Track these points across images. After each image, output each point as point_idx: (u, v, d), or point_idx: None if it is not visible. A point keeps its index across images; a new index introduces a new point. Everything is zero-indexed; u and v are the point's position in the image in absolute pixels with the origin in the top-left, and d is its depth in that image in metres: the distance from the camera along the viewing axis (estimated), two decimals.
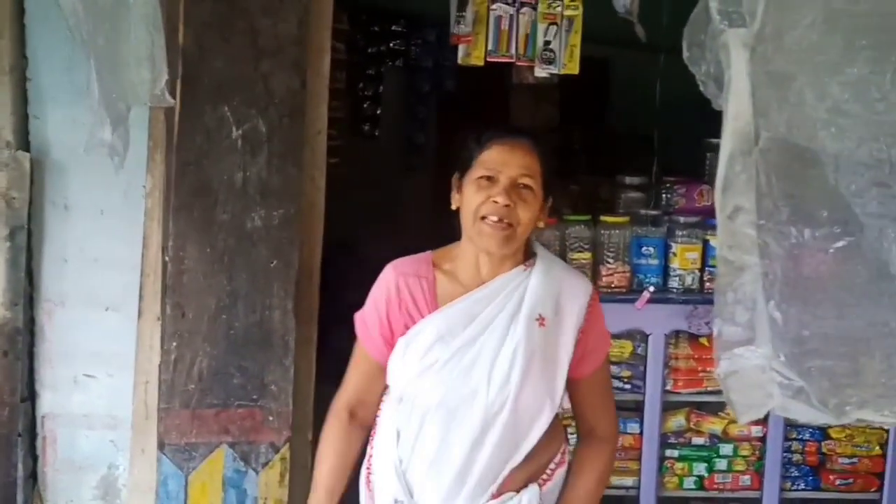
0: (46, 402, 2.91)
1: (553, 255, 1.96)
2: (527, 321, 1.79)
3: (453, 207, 1.85)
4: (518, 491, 1.84)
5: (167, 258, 2.57)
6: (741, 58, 1.31)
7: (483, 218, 1.77)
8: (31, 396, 2.90)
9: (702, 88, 1.46)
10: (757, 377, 1.34)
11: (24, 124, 2.82)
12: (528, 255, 1.88)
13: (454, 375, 1.79)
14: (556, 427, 1.92)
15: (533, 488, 1.85)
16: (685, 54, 1.44)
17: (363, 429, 1.94)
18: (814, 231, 1.31)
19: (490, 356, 1.78)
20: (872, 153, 1.29)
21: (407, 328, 1.83)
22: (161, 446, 2.55)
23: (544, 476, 1.89)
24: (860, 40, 1.29)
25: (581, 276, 1.97)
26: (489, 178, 1.78)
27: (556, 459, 1.91)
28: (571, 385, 1.89)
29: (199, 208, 2.53)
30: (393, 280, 1.84)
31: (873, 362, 1.31)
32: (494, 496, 1.82)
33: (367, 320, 1.88)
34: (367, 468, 1.93)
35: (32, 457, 2.91)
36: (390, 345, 1.86)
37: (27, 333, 2.86)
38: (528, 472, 1.85)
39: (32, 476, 2.92)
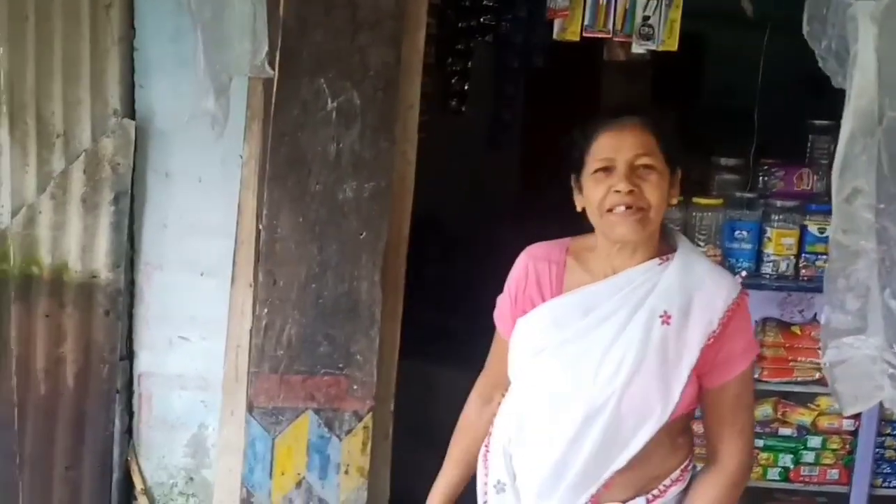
0: (143, 362, 3.01)
1: (698, 249, 1.83)
2: (648, 316, 1.68)
3: (578, 209, 1.78)
4: (624, 502, 1.74)
5: (261, 227, 2.62)
6: (869, 32, 1.24)
7: (610, 210, 1.69)
8: (129, 355, 3.02)
9: (821, 64, 1.39)
10: (866, 368, 1.28)
11: (131, 93, 2.90)
12: (667, 248, 1.75)
13: (561, 365, 1.73)
14: (681, 440, 1.78)
15: (639, 502, 1.74)
16: (805, 28, 1.37)
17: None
18: None
19: (601, 349, 1.70)
20: None
21: (526, 311, 1.80)
22: (250, 409, 2.62)
23: (655, 491, 1.76)
24: None
25: (727, 275, 1.79)
26: (605, 169, 1.69)
27: (675, 476, 1.77)
28: (701, 395, 1.74)
29: (292, 179, 2.57)
30: (523, 263, 1.83)
31: None
32: (594, 500, 1.73)
33: (501, 301, 1.88)
34: (486, 446, 1.92)
35: (129, 413, 3.04)
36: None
37: (127, 295, 2.97)
38: (637, 482, 1.74)
39: (128, 432, 3.04)
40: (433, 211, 4.77)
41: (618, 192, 1.67)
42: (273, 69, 2.49)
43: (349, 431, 2.65)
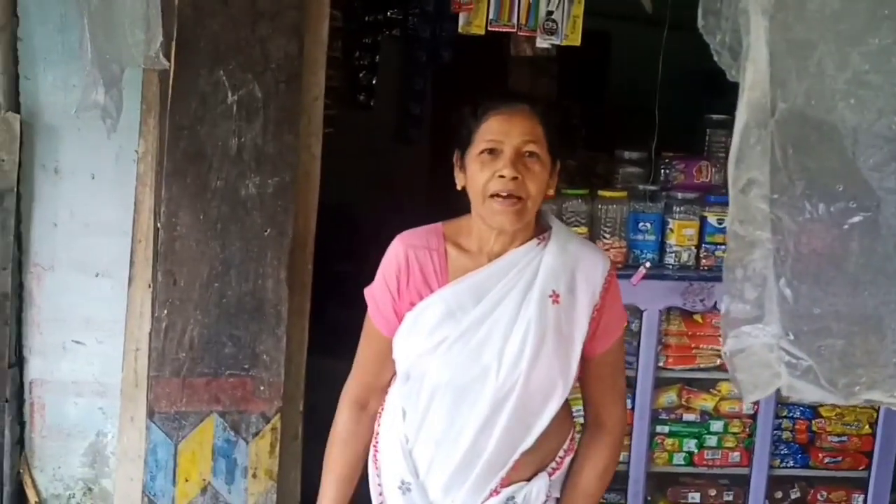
0: (35, 368, 2.88)
1: (568, 229, 1.88)
2: (540, 297, 1.73)
3: (458, 187, 1.78)
4: (528, 480, 1.79)
5: (159, 224, 2.53)
6: (760, 25, 1.27)
7: (492, 196, 1.69)
8: (19, 362, 2.86)
9: (716, 58, 1.42)
10: (765, 356, 1.31)
11: (15, 85, 2.76)
12: (542, 228, 1.80)
13: (464, 354, 1.73)
14: (565, 412, 1.85)
15: (542, 478, 1.80)
16: (700, 22, 1.39)
17: (376, 419, 1.89)
18: (829, 206, 1.28)
19: (502, 334, 1.72)
20: (892, 126, 1.25)
21: (414, 304, 1.77)
22: (150, 414, 2.53)
23: (553, 465, 1.83)
24: (883, 9, 1.25)
25: (598, 250, 1.88)
26: (492, 151, 1.70)
27: (566, 446, 1.85)
28: (582, 364, 1.81)
29: (192, 174, 2.49)
30: (402, 252, 1.77)
31: (885, 342, 1.29)
32: (504, 482, 1.77)
33: (376, 295, 1.81)
34: (375, 447, 1.88)
35: (20, 423, 2.88)
36: (402, 320, 1.79)
37: (16, 298, 2.82)
38: (538, 458, 1.80)
39: (20, 443, 2.89)
40: (343, 206, 4.71)
41: (502, 177, 1.68)
42: (168, 60, 2.39)
43: (256, 434, 2.59)
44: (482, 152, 1.71)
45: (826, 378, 1.28)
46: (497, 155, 1.70)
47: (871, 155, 1.26)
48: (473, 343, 1.72)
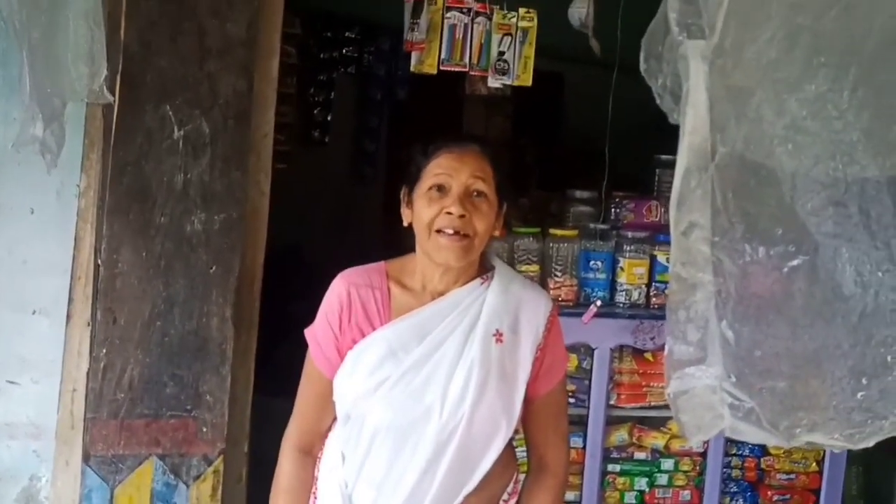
0: None
1: (512, 269, 1.89)
2: (483, 337, 1.72)
3: (405, 223, 1.77)
4: None
5: (100, 261, 2.47)
6: (699, 71, 1.29)
7: (438, 231, 1.69)
8: None
9: (658, 101, 1.43)
10: (707, 397, 1.31)
11: None
12: (485, 268, 1.81)
13: (406, 395, 1.70)
14: (509, 455, 1.83)
15: None
16: (642, 66, 1.41)
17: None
18: (768, 249, 1.29)
19: (445, 373, 1.70)
20: (829, 172, 1.28)
21: (356, 342, 1.73)
22: (86, 458, 2.44)
23: None
24: (819, 57, 1.28)
25: (541, 291, 1.89)
26: (440, 188, 1.70)
27: (510, 489, 1.83)
28: (525, 406, 1.80)
29: (135, 210, 2.44)
30: (344, 290, 1.74)
31: (825, 385, 1.29)
32: None
33: (318, 335, 1.77)
34: (314, 493, 1.82)
35: None
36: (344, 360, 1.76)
37: None
38: (482, 501, 1.76)
39: None
40: (295, 243, 4.67)
41: (449, 213, 1.69)
42: (113, 95, 2.35)
43: (198, 477, 2.51)
44: (430, 188, 1.71)
45: (768, 420, 1.28)
46: (445, 192, 1.70)
47: (809, 199, 1.28)
48: (416, 383, 1.70)
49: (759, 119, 1.29)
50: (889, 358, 1.24)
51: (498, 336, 1.73)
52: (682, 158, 1.32)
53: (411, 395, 1.69)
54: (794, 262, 1.28)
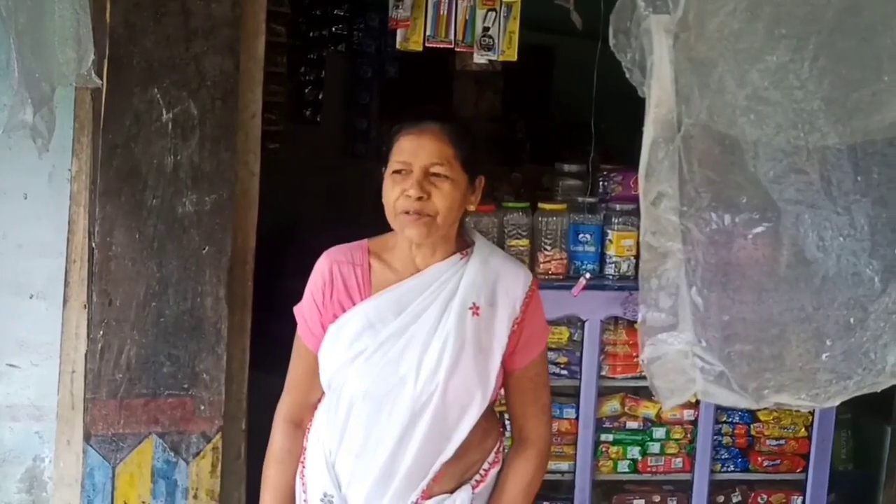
0: None
1: (492, 245, 1.92)
2: (459, 310, 1.76)
3: (384, 201, 1.81)
4: (451, 492, 1.80)
5: (94, 244, 2.50)
6: (663, 44, 1.31)
7: (402, 212, 1.74)
8: None
9: (628, 75, 1.46)
10: (680, 362, 1.35)
11: None
12: (465, 243, 1.85)
13: (382, 365, 1.75)
14: (491, 425, 1.86)
15: (465, 491, 1.81)
16: (611, 41, 1.44)
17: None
18: (734, 217, 1.32)
19: (420, 345, 1.75)
20: (790, 140, 1.30)
21: (337, 316, 1.79)
22: (87, 437, 2.49)
23: (477, 477, 1.83)
24: (780, 28, 1.30)
25: (520, 265, 1.92)
26: (401, 171, 1.75)
27: (490, 459, 1.86)
28: (505, 379, 1.83)
29: (127, 193, 2.47)
30: (327, 268, 1.80)
31: (790, 347, 1.33)
32: (425, 494, 1.77)
33: (305, 312, 1.83)
34: (302, 463, 1.88)
35: None
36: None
37: None
38: (461, 470, 1.80)
39: None
40: (288, 221, 4.69)
41: (409, 196, 1.73)
42: (101, 78, 2.37)
43: (197, 454, 2.56)
44: (394, 172, 1.76)
45: (737, 383, 1.32)
46: (406, 175, 1.75)
47: (771, 168, 1.31)
48: (392, 354, 1.75)
49: (722, 90, 1.32)
50: (851, 320, 1.28)
51: (475, 309, 1.76)
52: (649, 130, 1.35)
53: (387, 364, 1.74)
54: (759, 229, 1.32)
